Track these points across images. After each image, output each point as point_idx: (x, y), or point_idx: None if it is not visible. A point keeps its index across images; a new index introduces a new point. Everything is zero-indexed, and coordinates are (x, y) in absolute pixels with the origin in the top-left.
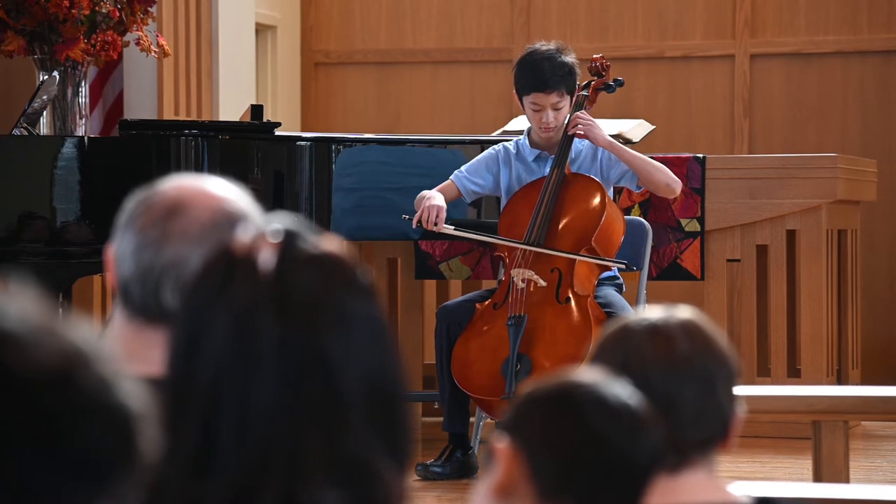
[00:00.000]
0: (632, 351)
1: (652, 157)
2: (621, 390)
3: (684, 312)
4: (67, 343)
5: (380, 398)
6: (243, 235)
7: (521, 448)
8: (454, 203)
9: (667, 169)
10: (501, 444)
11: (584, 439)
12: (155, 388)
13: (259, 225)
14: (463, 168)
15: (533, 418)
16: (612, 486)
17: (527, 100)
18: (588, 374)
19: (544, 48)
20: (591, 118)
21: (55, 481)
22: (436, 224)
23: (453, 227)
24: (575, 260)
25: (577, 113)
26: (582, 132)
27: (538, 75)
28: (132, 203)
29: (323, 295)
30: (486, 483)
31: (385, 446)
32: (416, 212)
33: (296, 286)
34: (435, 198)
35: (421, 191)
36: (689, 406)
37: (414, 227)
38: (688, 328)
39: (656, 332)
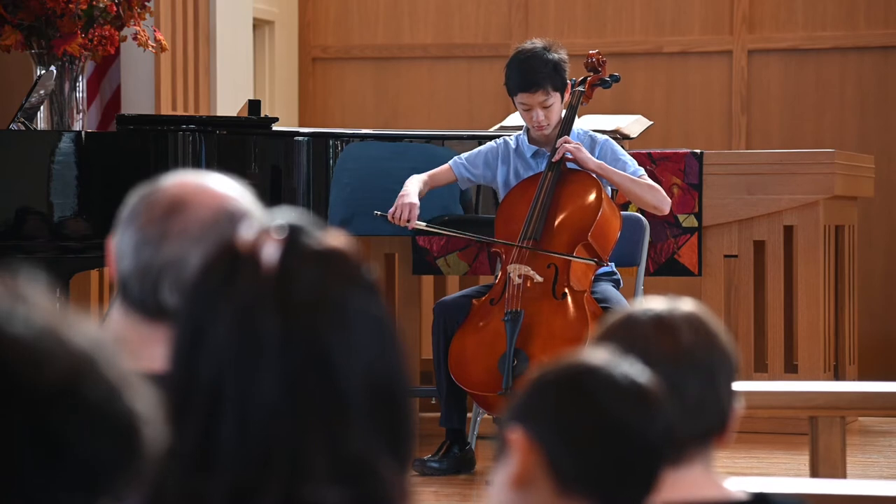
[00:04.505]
0: (636, 341)
1: (650, 153)
2: (630, 369)
3: (688, 305)
4: (74, 349)
5: (382, 396)
6: (247, 231)
7: (536, 439)
8: (453, 196)
9: (657, 188)
10: (515, 434)
11: (600, 426)
12: (153, 384)
13: (264, 220)
14: (463, 155)
15: (545, 407)
16: (632, 470)
17: (516, 100)
18: (595, 355)
19: (530, 47)
20: (577, 143)
21: (58, 489)
22: (408, 221)
23: (425, 224)
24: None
25: (563, 138)
26: (570, 157)
27: (522, 75)
28: (134, 199)
29: (326, 292)
30: (502, 474)
31: (387, 444)
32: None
33: (299, 283)
34: (409, 195)
35: None
36: (689, 399)
37: (390, 220)
38: (692, 321)
39: (661, 324)
